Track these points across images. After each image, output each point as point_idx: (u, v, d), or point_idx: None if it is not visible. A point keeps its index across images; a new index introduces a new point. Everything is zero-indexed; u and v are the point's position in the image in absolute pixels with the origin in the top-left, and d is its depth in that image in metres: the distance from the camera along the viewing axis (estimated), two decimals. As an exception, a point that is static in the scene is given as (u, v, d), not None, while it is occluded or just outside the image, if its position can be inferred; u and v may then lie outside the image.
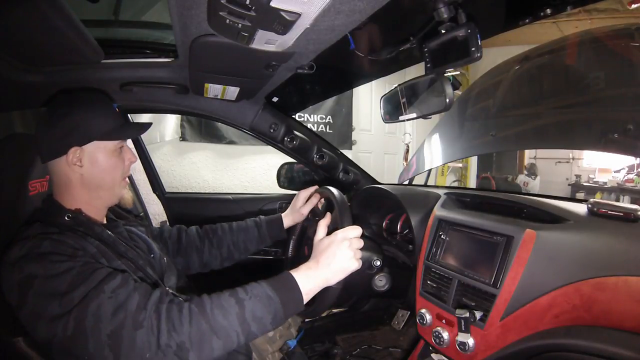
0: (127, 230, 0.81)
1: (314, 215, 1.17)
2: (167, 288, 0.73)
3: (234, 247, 1.02)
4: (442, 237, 0.93)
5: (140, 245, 0.81)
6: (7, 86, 0.83)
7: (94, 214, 0.76)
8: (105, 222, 0.80)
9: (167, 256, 0.88)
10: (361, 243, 0.74)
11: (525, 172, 4.97)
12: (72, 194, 0.73)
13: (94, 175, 0.74)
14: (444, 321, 0.84)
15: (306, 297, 0.65)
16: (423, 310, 0.90)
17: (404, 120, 1.01)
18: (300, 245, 1.15)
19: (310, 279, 0.66)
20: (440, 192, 1.11)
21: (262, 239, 1.04)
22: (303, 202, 1.07)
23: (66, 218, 0.69)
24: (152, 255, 0.81)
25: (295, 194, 1.59)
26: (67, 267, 0.58)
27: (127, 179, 0.82)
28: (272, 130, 1.34)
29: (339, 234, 0.72)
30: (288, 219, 1.08)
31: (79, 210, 0.72)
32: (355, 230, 0.74)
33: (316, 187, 1.08)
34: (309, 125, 3.61)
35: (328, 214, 0.84)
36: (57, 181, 0.74)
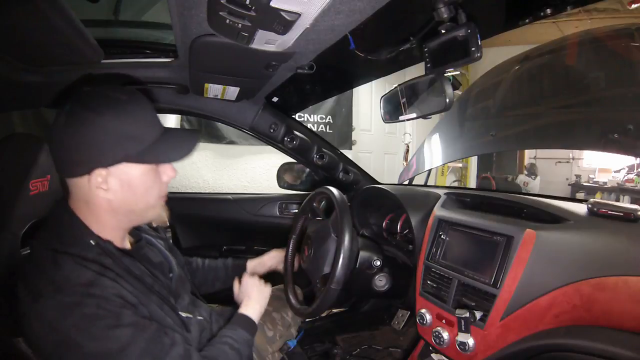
0: (147, 240, 0.77)
1: (314, 215, 1.17)
2: (180, 312, 0.72)
3: (203, 282, 1.06)
4: (442, 237, 0.93)
5: (159, 265, 0.76)
6: (7, 86, 0.83)
7: (120, 236, 0.68)
8: (130, 241, 0.73)
9: (182, 270, 0.85)
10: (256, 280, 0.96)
11: (525, 172, 4.97)
12: (95, 217, 0.63)
13: (124, 199, 0.63)
14: (444, 321, 0.84)
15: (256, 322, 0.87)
16: (423, 310, 0.90)
17: (404, 120, 1.01)
18: (300, 245, 1.15)
19: (255, 313, 0.88)
20: (440, 192, 1.11)
21: (227, 280, 1.06)
22: (270, 257, 1.15)
23: (92, 242, 0.61)
24: (170, 275, 0.78)
25: (295, 194, 1.60)
26: (117, 347, 0.55)
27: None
28: (272, 130, 1.34)
29: (247, 280, 0.95)
30: (253, 262, 1.13)
31: (107, 241, 0.64)
32: (251, 278, 0.96)
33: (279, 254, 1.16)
34: (309, 125, 3.61)
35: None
36: (77, 197, 0.63)
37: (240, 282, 0.97)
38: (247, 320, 0.85)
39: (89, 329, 0.53)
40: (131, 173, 0.62)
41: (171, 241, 0.89)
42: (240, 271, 1.08)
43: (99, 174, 0.60)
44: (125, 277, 0.61)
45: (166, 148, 0.65)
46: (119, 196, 0.62)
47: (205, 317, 0.83)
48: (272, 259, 1.15)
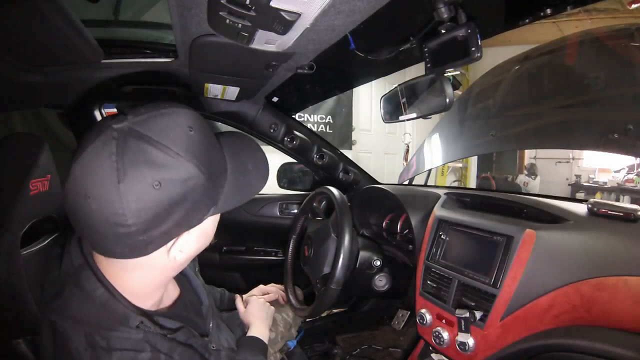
0: (185, 275, 0.71)
1: (314, 215, 1.17)
2: (211, 345, 0.66)
3: None
4: (442, 237, 0.93)
5: (194, 307, 0.68)
6: (7, 86, 0.83)
7: (167, 286, 0.59)
8: (174, 281, 0.65)
9: (210, 295, 0.77)
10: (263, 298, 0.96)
11: (525, 172, 4.97)
12: (145, 278, 0.51)
13: (197, 249, 0.53)
14: (444, 321, 0.84)
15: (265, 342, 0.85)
16: (423, 310, 0.90)
17: (404, 120, 1.01)
18: (300, 245, 1.15)
19: (265, 336, 0.85)
20: (440, 192, 1.11)
21: (220, 307, 1.00)
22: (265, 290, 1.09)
23: (136, 326, 0.48)
24: (202, 306, 0.70)
25: (295, 194, 1.60)
26: None
27: None
28: (272, 130, 1.34)
29: (252, 301, 0.92)
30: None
31: (152, 320, 0.51)
32: (257, 298, 0.95)
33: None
34: (309, 125, 3.61)
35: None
36: (121, 266, 0.49)
37: (242, 299, 0.96)
38: (262, 344, 0.83)
39: None
40: (208, 220, 0.51)
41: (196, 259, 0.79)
42: (231, 303, 1.03)
43: (181, 238, 0.48)
44: (173, 354, 0.52)
45: (245, 180, 0.54)
46: (194, 248, 0.52)
47: (231, 344, 0.78)
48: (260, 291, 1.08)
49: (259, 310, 0.91)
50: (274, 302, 1.04)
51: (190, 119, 0.47)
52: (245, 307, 0.92)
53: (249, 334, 0.85)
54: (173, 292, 0.65)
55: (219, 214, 0.53)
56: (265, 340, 0.85)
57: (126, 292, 0.50)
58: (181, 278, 0.70)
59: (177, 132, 0.44)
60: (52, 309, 0.49)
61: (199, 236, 0.51)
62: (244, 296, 1.01)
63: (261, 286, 1.09)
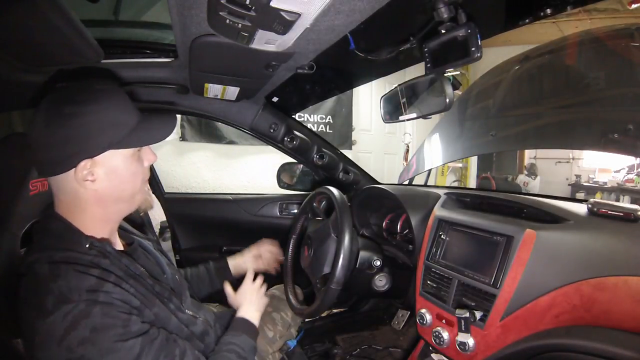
0: (138, 243, 0.77)
1: (314, 215, 1.17)
2: (186, 310, 0.74)
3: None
4: (442, 237, 0.93)
5: (154, 267, 0.76)
6: (7, 86, 0.83)
7: (111, 231, 0.68)
8: (121, 241, 0.73)
9: (178, 273, 0.83)
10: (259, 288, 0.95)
11: (525, 172, 4.97)
12: (84, 212, 0.63)
13: (111, 187, 0.63)
14: (444, 321, 0.84)
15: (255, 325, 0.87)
16: (423, 310, 0.90)
17: (404, 120, 1.02)
18: (300, 245, 1.15)
19: (255, 319, 0.87)
20: (440, 192, 1.11)
21: (213, 283, 1.03)
22: (259, 253, 1.11)
23: (86, 245, 0.60)
24: (165, 276, 0.76)
25: (295, 194, 1.59)
26: (128, 347, 0.55)
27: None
28: (272, 130, 1.34)
29: (243, 284, 0.94)
30: (234, 261, 1.08)
31: (103, 240, 0.64)
32: (250, 282, 0.96)
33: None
34: (309, 125, 3.61)
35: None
36: (63, 198, 0.63)
37: (230, 283, 0.96)
38: (249, 325, 0.84)
39: (98, 343, 0.52)
40: (116, 160, 0.63)
41: (159, 240, 0.85)
42: (223, 273, 1.05)
43: (84, 166, 0.60)
44: (125, 278, 0.61)
45: (147, 131, 0.67)
46: (106, 185, 0.62)
47: (209, 320, 0.81)
48: (254, 260, 1.11)
49: (252, 294, 0.92)
50: (274, 301, 1.04)
51: (102, 84, 0.64)
52: (239, 293, 0.92)
53: (237, 315, 0.86)
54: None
55: (134, 160, 0.66)
56: (255, 323, 0.85)
57: (78, 225, 0.62)
58: (143, 250, 0.76)
59: (90, 89, 0.63)
60: (28, 257, 0.59)
61: (109, 173, 0.62)
62: (233, 270, 1.05)
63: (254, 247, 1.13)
